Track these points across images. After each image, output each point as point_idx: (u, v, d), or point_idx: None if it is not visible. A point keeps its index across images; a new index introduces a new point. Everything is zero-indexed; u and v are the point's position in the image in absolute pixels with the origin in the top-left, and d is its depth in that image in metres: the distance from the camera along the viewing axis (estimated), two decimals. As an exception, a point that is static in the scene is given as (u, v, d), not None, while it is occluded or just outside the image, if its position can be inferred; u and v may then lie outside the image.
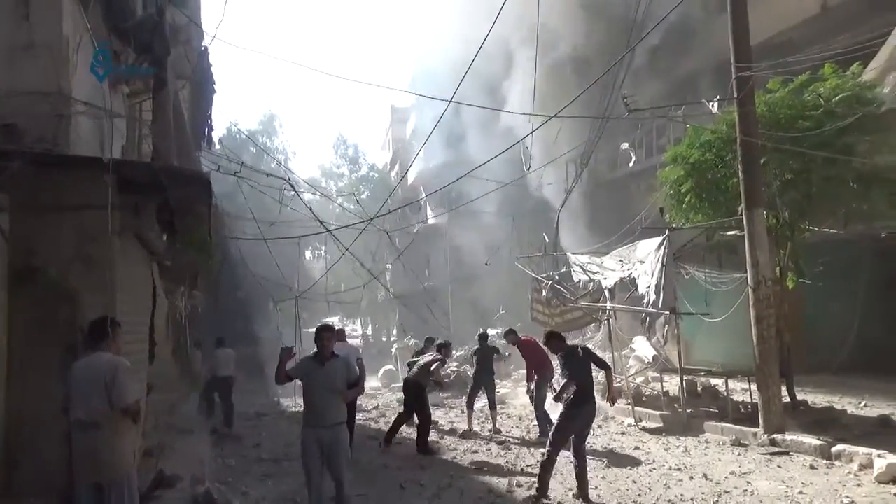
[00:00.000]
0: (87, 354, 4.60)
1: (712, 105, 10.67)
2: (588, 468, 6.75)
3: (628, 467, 7.94)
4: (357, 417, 13.50)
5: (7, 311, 5.66)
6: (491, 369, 11.42)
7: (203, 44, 17.44)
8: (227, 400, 12.19)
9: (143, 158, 10.08)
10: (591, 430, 10.40)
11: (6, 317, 5.66)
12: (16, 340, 5.67)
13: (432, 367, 10.16)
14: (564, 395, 6.57)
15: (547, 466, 6.66)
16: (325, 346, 5.81)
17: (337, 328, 7.83)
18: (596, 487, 7.05)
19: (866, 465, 7.09)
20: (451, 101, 10.05)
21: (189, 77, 13.76)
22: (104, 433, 4.42)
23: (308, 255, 45.47)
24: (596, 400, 6.81)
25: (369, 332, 50.51)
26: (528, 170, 13.24)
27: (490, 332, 22.67)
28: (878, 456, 6.98)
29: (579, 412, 6.57)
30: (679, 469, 7.69)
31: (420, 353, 11.61)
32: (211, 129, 19.62)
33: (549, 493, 6.70)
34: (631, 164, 18.94)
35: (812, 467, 7.45)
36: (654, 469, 7.79)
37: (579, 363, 6.70)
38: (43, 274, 5.79)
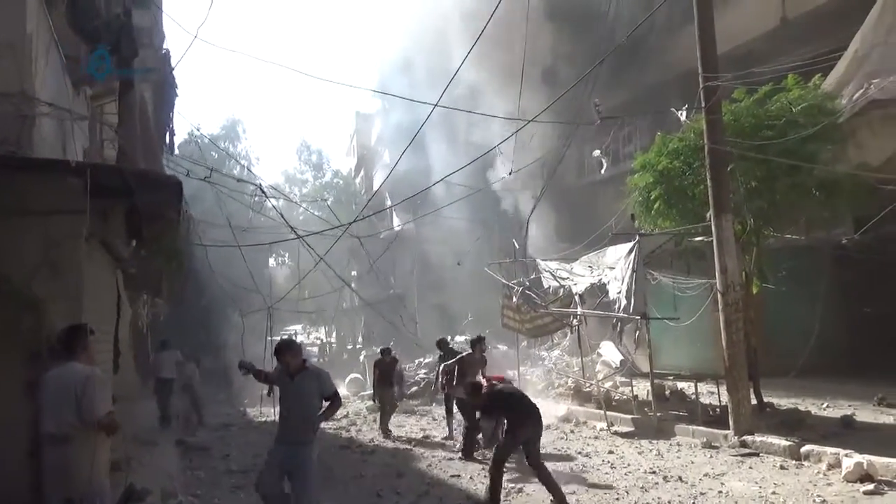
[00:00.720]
0: (59, 364, 4.41)
1: (680, 113, 10.89)
2: (564, 473, 6.76)
3: (604, 472, 7.98)
4: (327, 427, 13.38)
5: (-32, 320, 5.40)
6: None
7: (165, 46, 17.10)
8: (166, 400, 12.84)
9: (106, 162, 9.79)
10: (565, 436, 10.53)
11: (-33, 326, 5.39)
12: (-23, 350, 5.40)
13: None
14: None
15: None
16: (289, 364, 5.41)
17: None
18: (574, 492, 7.07)
19: (834, 465, 7.26)
20: (436, 105, 10.02)
21: (153, 80, 13.45)
22: (75, 447, 4.26)
23: (272, 261, 44.78)
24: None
25: (333, 339, 49.95)
26: (510, 173, 13.27)
27: (458, 338, 22.71)
28: (846, 455, 7.16)
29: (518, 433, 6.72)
30: (654, 472, 7.76)
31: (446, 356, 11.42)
32: (172, 133, 19.21)
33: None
34: (602, 171, 19.19)
35: (782, 468, 7.60)
36: (630, 473, 7.85)
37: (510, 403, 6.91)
38: (6, 281, 5.53)
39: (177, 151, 21.86)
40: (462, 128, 24.74)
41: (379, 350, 13.48)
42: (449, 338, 23.01)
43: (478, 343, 10.56)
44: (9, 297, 5.54)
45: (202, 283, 20.07)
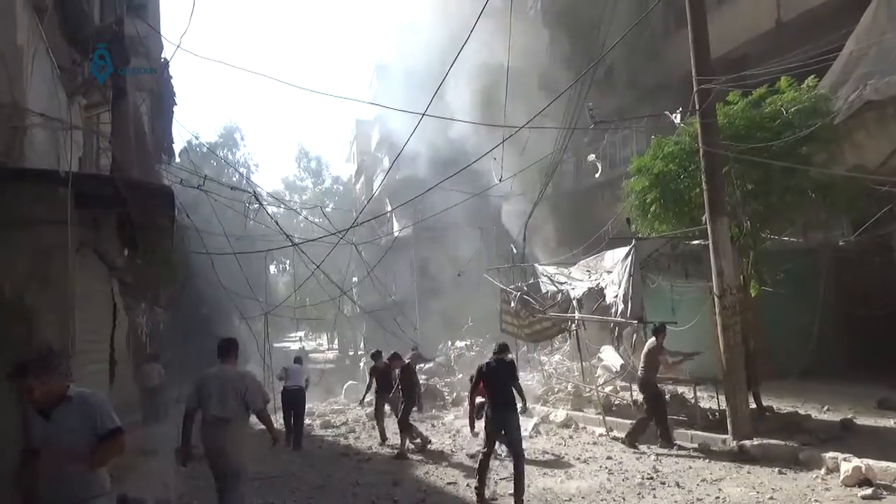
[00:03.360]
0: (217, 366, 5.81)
1: (675, 117, 10.87)
2: (561, 478, 6.72)
3: (601, 477, 7.93)
4: (326, 434, 13.36)
5: (-42, 332, 5.39)
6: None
7: (163, 55, 17.16)
8: (154, 407, 14.42)
9: (101, 171, 9.80)
10: (563, 441, 10.47)
11: (-42, 337, 5.38)
12: (-32, 362, 5.38)
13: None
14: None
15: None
16: (33, 392, 3.63)
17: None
18: (570, 500, 7.03)
19: (833, 469, 7.22)
20: (424, 114, 10.02)
21: (150, 89, 13.47)
22: (234, 427, 5.61)
23: (273, 269, 44.82)
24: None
25: (335, 346, 49.93)
26: (500, 180, 13.26)
27: (458, 343, 22.67)
28: (844, 459, 7.11)
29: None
30: (651, 478, 7.72)
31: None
32: (171, 141, 19.25)
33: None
34: (597, 175, 19.16)
35: (781, 472, 7.55)
36: (627, 478, 7.80)
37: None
38: (-3, 292, 5.54)
39: (178, 160, 21.95)
40: (465, 135, 24.73)
41: (370, 355, 12.73)
42: (450, 343, 23.08)
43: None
44: (0, 307, 5.54)
45: (201, 290, 20.09)
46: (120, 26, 8.02)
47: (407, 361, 11.21)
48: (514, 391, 7.20)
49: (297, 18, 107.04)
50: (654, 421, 9.66)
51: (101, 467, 3.77)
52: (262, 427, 5.92)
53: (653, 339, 9.96)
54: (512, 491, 6.92)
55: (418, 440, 10.70)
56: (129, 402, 12.42)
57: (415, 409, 10.84)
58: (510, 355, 7.75)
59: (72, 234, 5.69)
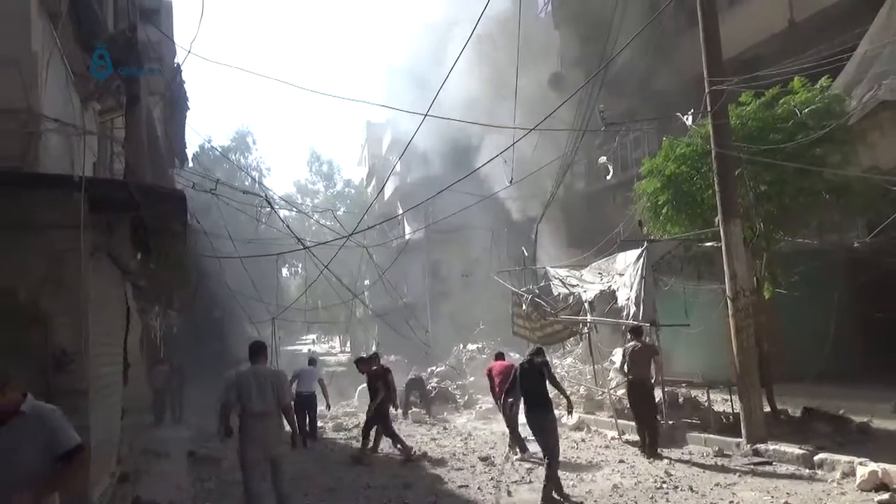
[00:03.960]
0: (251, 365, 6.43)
1: (686, 118, 10.82)
2: (573, 482, 6.70)
3: (614, 481, 7.88)
4: (338, 437, 13.38)
5: (-25, 335, 5.44)
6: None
7: (176, 60, 17.30)
8: (158, 408, 15.28)
9: (115, 176, 9.89)
10: (576, 445, 10.43)
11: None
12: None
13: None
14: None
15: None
16: None
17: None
18: (582, 503, 7.00)
19: (849, 473, 7.13)
20: (426, 115, 10.04)
21: (162, 94, 13.59)
22: (272, 419, 6.33)
23: (285, 272, 45.04)
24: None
25: (348, 348, 50.02)
26: (511, 182, 13.25)
27: (470, 346, 22.65)
28: (860, 464, 7.03)
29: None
30: (664, 482, 7.66)
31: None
32: (184, 145, 19.41)
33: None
34: (608, 178, 19.10)
35: (796, 476, 7.47)
36: (640, 482, 7.75)
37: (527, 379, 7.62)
38: (13, 296, 5.59)
39: (191, 164, 22.13)
40: (479, 137, 24.75)
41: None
42: (461, 346, 23.04)
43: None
44: (16, 311, 5.59)
45: (214, 294, 20.21)
46: (133, 33, 8.09)
47: (374, 367, 10.96)
48: (556, 390, 7.62)
49: (310, 21, 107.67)
50: (641, 422, 9.46)
51: (54, 494, 3.27)
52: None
53: (634, 341, 9.76)
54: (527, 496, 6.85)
55: (400, 447, 10.45)
56: (142, 405, 12.55)
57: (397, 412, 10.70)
58: (542, 357, 7.91)
59: (85, 238, 5.72)
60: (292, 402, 6.62)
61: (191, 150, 25.53)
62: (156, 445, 11.27)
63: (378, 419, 10.62)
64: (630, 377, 9.71)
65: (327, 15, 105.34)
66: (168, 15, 16.69)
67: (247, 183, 26.55)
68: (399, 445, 10.42)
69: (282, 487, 6.48)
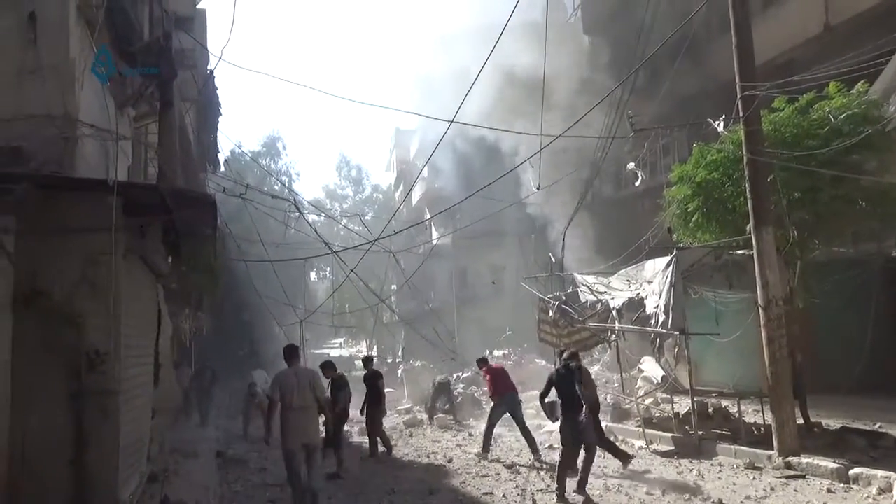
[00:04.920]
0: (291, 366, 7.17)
1: (718, 124, 10.66)
2: (600, 493, 6.62)
3: (641, 493, 7.77)
4: (363, 441, 13.39)
5: (11, 335, 5.59)
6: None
7: (209, 67, 17.59)
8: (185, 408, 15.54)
9: (148, 180, 10.10)
10: (602, 454, 10.30)
11: (10, 340, 5.59)
12: (21, 364, 5.58)
13: None
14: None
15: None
16: None
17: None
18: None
19: (885, 489, 6.92)
20: (452, 122, 10.05)
21: (195, 99, 13.84)
22: (310, 413, 7.15)
23: (313, 276, 45.45)
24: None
25: (374, 352, 50.21)
26: (538, 188, 13.19)
27: (496, 353, 22.56)
28: (897, 479, 6.82)
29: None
30: (694, 494, 7.52)
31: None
32: (217, 150, 19.73)
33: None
34: (637, 184, 18.90)
35: (830, 491, 7.28)
36: (667, 493, 7.62)
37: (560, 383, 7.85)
38: (48, 297, 5.72)
39: (223, 168, 22.49)
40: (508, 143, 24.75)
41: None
42: (487, 352, 22.98)
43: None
44: (50, 313, 5.73)
45: (244, 297, 20.48)
46: (168, 40, 8.26)
47: (336, 373, 11.14)
48: (580, 397, 7.59)
49: (341, 29, 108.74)
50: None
51: None
52: None
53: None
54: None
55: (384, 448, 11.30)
56: (173, 405, 12.73)
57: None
58: (577, 362, 8.09)
59: (119, 240, 5.85)
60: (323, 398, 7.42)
61: (223, 155, 25.95)
62: (184, 446, 11.42)
63: (367, 422, 11.58)
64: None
65: (359, 22, 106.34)
66: (202, 23, 17.01)
67: (276, 188, 26.89)
68: (374, 446, 11.28)
69: (315, 478, 7.04)
